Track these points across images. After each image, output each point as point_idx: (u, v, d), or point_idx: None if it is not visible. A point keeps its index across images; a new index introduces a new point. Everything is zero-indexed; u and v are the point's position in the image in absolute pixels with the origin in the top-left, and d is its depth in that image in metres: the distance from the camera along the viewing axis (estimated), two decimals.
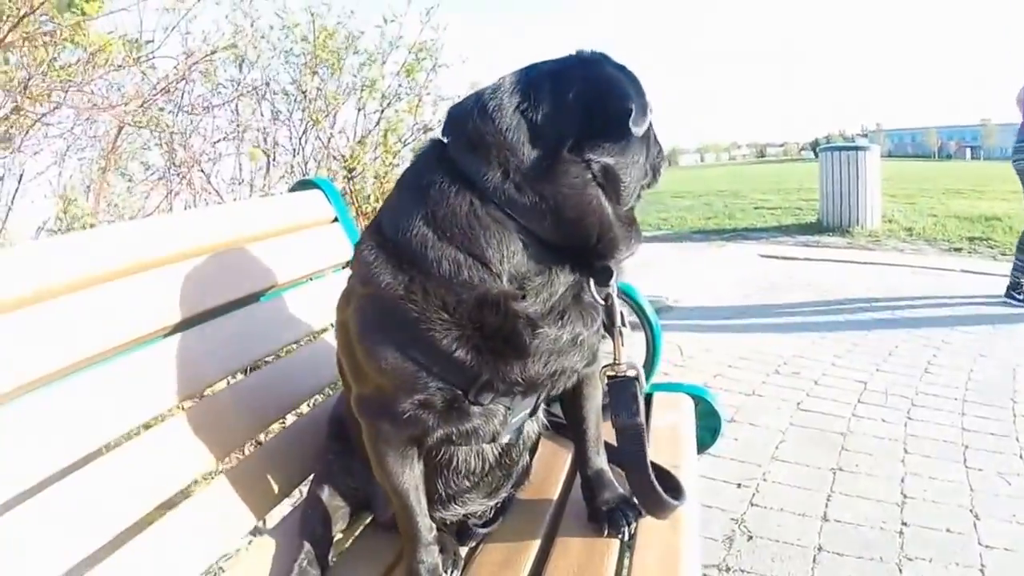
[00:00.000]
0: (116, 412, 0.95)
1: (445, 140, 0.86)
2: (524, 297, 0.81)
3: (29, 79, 1.82)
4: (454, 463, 0.98)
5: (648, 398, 1.55)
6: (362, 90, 3.83)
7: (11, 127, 2.05)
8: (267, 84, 3.69)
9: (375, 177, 3.87)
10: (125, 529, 0.88)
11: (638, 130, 0.81)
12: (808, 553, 1.91)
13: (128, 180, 3.27)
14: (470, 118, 0.83)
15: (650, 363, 1.64)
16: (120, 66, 2.36)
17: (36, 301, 0.88)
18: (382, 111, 3.89)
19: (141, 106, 2.40)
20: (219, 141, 3.32)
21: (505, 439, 0.98)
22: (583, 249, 0.84)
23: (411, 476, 0.93)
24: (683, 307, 4.91)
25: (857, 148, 8.09)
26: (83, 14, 2.59)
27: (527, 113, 0.81)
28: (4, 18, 1.61)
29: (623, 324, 0.91)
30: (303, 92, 3.65)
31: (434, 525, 0.98)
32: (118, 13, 2.30)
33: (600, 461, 1.08)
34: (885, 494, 2.22)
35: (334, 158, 3.80)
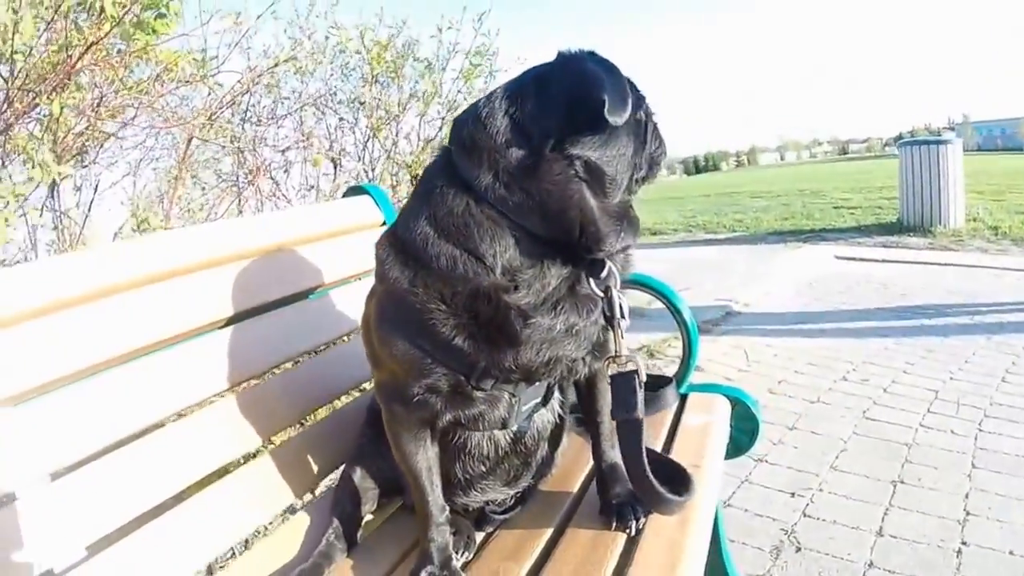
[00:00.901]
0: (177, 390, 1.08)
1: (451, 147, 0.93)
2: (516, 288, 0.85)
3: (102, 97, 2.03)
4: (468, 447, 1.03)
5: (683, 398, 1.55)
6: (422, 98, 3.94)
7: (86, 141, 2.28)
8: (332, 94, 3.86)
9: None
10: (172, 496, 1.00)
11: (615, 119, 0.82)
12: (858, 569, 1.84)
13: (201, 188, 3.52)
14: (466, 125, 0.90)
15: (685, 363, 1.63)
16: (188, 81, 2.55)
17: (123, 290, 1.04)
18: (443, 117, 4.00)
19: (209, 118, 2.61)
20: (287, 149, 3.53)
21: (515, 426, 1.02)
22: (571, 242, 0.87)
23: (424, 457, 0.99)
24: (752, 311, 4.78)
25: (938, 142, 7.57)
26: (153, 32, 2.84)
27: (514, 116, 0.87)
28: (72, 46, 1.80)
29: (623, 316, 0.93)
30: (361, 103, 3.81)
31: (447, 507, 1.03)
32: (183, 30, 2.49)
33: (614, 455, 1.10)
34: (947, 510, 2.10)
35: (398, 164, 3.94)
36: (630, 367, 0.97)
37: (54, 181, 2.31)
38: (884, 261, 6.34)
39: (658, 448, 1.28)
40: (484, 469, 1.06)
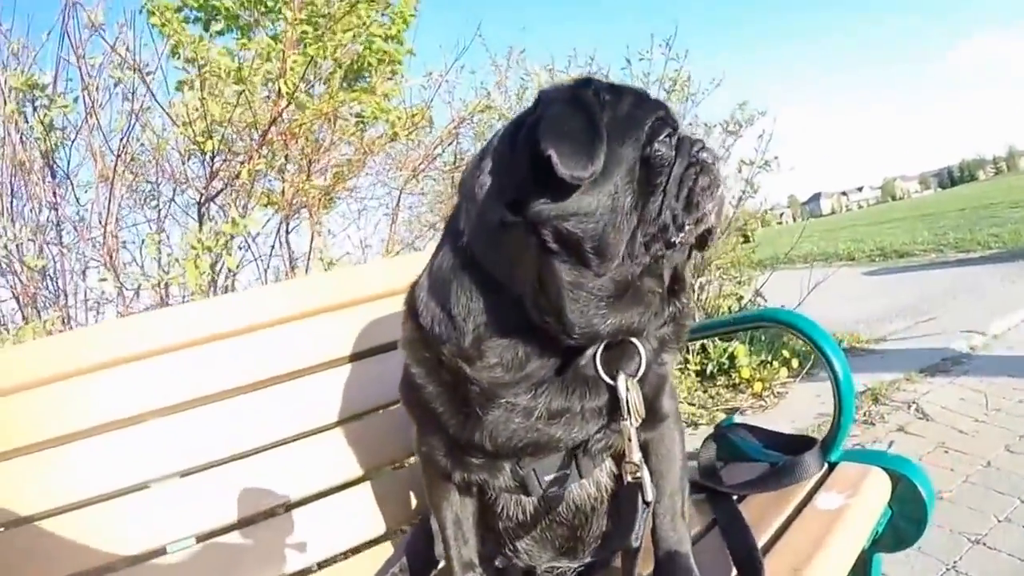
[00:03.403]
0: (290, 419, 1.26)
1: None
2: (482, 359, 0.77)
3: (310, 162, 2.40)
4: (498, 507, 0.98)
5: (830, 468, 1.28)
6: None
7: (305, 199, 2.69)
8: None
9: None
10: (275, 505, 1.16)
11: (573, 174, 0.68)
12: None
13: (422, 227, 3.90)
14: (464, 174, 0.85)
15: (837, 423, 1.34)
16: (408, 133, 2.89)
17: (265, 327, 1.28)
18: None
19: (423, 164, 2.93)
20: None
21: (538, 494, 0.92)
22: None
23: (449, 511, 0.97)
24: (1001, 345, 3.80)
25: None
26: (376, 93, 3.28)
27: (493, 169, 0.79)
28: (258, 122, 2.16)
29: (628, 416, 0.78)
30: None
31: (476, 564, 0.99)
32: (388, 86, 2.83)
33: (673, 540, 0.93)
34: None
35: None
36: (633, 478, 0.81)
37: (287, 228, 2.79)
38: None
39: (765, 538, 1.04)
40: (520, 531, 0.99)
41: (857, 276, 7.55)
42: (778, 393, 3.52)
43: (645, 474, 0.81)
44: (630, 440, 0.80)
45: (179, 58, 3.72)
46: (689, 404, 3.43)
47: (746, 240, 4.68)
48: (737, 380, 3.58)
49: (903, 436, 2.71)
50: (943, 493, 2.16)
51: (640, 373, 0.80)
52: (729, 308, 4.04)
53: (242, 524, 1.17)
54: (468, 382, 0.79)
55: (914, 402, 3.07)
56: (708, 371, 3.65)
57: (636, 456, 0.80)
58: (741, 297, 4.12)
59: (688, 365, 3.61)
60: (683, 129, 0.82)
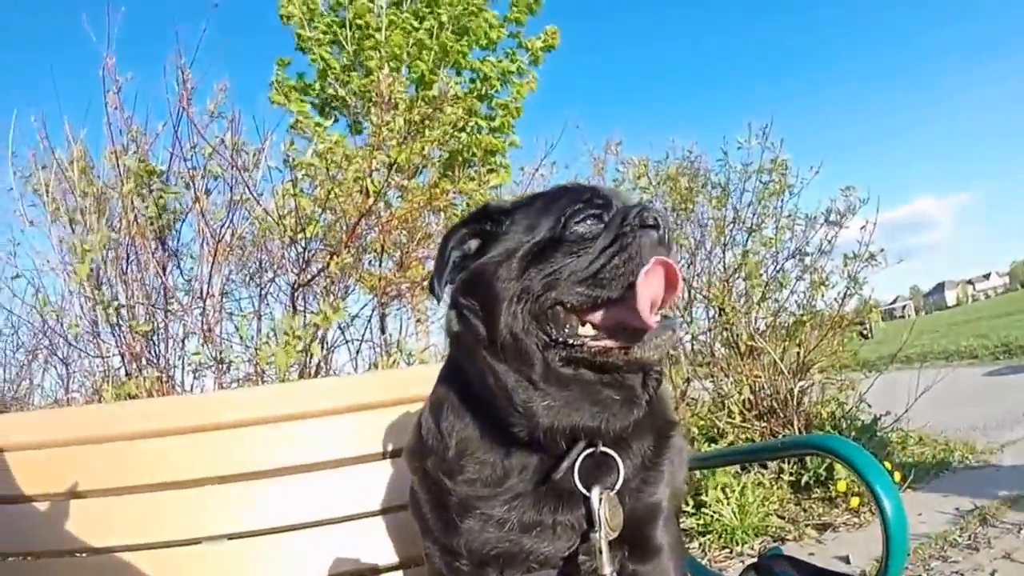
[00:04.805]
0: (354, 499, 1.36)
1: None
2: (461, 472, 0.81)
3: (403, 256, 2.61)
4: None
5: None
6: (717, 225, 3.88)
7: (397, 289, 2.89)
8: None
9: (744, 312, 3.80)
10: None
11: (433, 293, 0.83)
12: None
13: None
14: None
15: (885, 566, 1.23)
16: None
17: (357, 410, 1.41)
18: (746, 244, 3.86)
19: None
20: None
21: None
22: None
23: None
24: None
25: None
26: (491, 184, 3.52)
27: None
28: (348, 217, 2.38)
29: (599, 529, 0.78)
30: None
31: None
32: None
33: None
34: None
35: (706, 298, 3.90)
36: None
37: (383, 316, 2.99)
38: None
39: None
40: None
41: (978, 376, 6.84)
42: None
43: None
44: (600, 553, 0.79)
45: (297, 131, 4.17)
46: (779, 517, 3.17)
47: (864, 337, 4.38)
48: (833, 493, 3.27)
49: (1009, 564, 2.37)
50: None
51: (617, 487, 0.81)
52: (831, 414, 3.76)
53: None
54: (448, 493, 0.83)
55: None
56: (803, 482, 3.37)
57: (607, 570, 0.79)
58: (843, 403, 3.81)
59: (782, 475, 3.36)
60: (632, 200, 0.86)
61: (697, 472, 3.06)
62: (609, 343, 0.77)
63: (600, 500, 0.79)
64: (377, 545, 1.35)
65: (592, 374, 0.78)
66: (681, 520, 3.02)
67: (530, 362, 0.77)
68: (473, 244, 0.88)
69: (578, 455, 0.80)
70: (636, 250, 0.76)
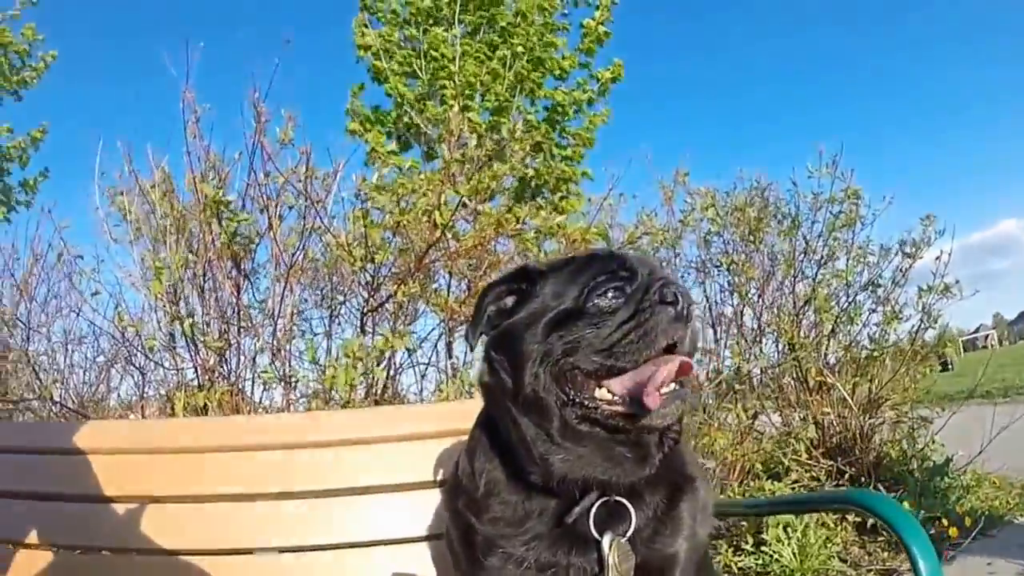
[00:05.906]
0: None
1: None
2: (488, 511, 0.89)
3: (469, 285, 2.73)
4: None
5: None
6: (787, 258, 3.81)
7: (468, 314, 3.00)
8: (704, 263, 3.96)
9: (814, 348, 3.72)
10: None
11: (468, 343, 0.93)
12: None
13: None
14: None
15: None
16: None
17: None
18: (816, 276, 3.78)
19: None
20: None
21: None
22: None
23: None
24: None
25: None
26: (562, 212, 3.58)
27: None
28: (415, 247, 2.53)
29: (607, 572, 0.83)
30: (728, 267, 3.82)
31: None
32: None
33: None
34: None
35: (775, 332, 3.82)
36: None
37: (449, 342, 3.10)
38: None
39: None
40: None
41: None
42: (943, 556, 3.01)
43: None
44: None
45: (371, 160, 4.35)
46: (841, 560, 3.04)
47: (945, 368, 4.14)
48: None
49: None
50: None
51: (628, 534, 0.86)
52: (902, 453, 3.60)
53: None
54: (474, 531, 0.91)
55: None
56: (869, 524, 3.23)
57: None
58: (915, 441, 3.65)
59: (847, 515, 3.24)
60: (659, 272, 0.92)
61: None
62: (621, 408, 0.84)
63: (610, 546, 0.85)
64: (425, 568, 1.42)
65: (606, 432, 0.86)
66: (738, 559, 2.97)
67: (549, 417, 0.86)
68: (509, 301, 0.96)
69: (591, 503, 0.87)
70: (652, 326, 0.83)
